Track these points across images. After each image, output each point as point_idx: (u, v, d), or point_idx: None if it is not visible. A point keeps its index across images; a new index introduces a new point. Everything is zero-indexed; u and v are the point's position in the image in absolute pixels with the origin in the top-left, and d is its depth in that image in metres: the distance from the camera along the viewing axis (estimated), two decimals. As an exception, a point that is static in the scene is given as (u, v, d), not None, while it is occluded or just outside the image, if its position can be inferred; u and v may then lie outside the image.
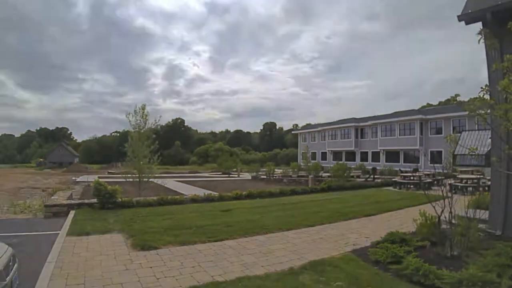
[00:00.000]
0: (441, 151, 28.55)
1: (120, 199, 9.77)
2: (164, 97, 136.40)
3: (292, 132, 70.34)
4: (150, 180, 13.32)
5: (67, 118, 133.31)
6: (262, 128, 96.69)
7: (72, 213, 8.62)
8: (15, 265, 3.29)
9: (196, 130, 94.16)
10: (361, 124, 38.24)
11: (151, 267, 4.53)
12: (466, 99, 4.56)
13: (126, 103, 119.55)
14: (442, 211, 5.20)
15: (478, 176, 15.33)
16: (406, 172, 21.21)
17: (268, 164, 30.90)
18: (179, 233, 6.43)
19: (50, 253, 5.13)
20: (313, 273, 4.24)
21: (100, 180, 10.32)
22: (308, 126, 55.48)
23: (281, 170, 31.11)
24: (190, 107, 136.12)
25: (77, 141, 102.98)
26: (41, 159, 72.21)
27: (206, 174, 36.63)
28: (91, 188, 10.96)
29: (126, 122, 13.00)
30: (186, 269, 4.47)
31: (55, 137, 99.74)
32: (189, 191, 15.51)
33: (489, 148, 7.93)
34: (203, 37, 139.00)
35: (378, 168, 30.72)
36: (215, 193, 12.54)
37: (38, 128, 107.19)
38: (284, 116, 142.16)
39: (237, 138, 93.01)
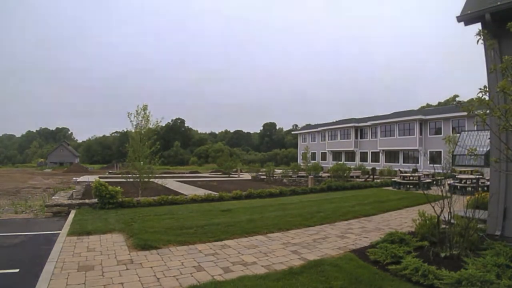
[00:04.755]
0: (440, 151, 28.58)
1: (120, 199, 9.80)
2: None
3: (292, 132, 70.42)
4: (151, 180, 13.34)
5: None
6: (262, 128, 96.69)
7: (73, 213, 8.64)
8: None
9: (197, 130, 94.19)
10: (361, 124, 38.26)
11: (151, 267, 4.55)
12: (465, 100, 4.58)
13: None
14: (441, 211, 5.21)
15: (477, 176, 15.37)
16: (405, 172, 21.26)
17: (268, 165, 30.86)
18: (180, 233, 6.44)
19: (51, 253, 5.15)
20: (313, 273, 4.26)
21: (101, 180, 10.33)
22: (308, 126, 55.44)
23: (281, 171, 31.09)
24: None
25: (78, 141, 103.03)
26: (41, 159, 72.31)
27: (206, 174, 36.61)
28: (92, 188, 10.97)
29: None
30: (187, 269, 4.49)
31: (56, 137, 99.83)
32: (189, 191, 15.52)
33: (488, 149, 7.95)
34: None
35: (377, 168, 30.76)
36: (215, 193, 12.55)
37: (38, 128, 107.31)
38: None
39: (237, 138, 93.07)
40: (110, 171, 40.63)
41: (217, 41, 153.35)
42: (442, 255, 4.66)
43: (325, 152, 43.74)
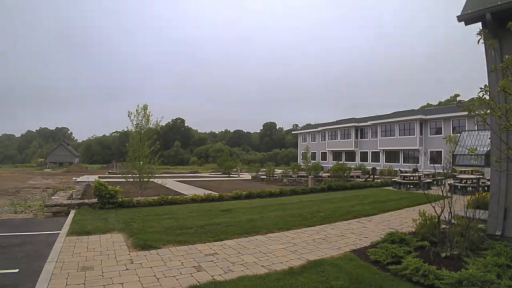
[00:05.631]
0: (440, 151, 28.56)
1: (120, 199, 9.79)
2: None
3: (292, 132, 70.40)
4: (151, 180, 13.33)
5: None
6: (262, 128, 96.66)
7: (72, 213, 8.63)
8: None
9: (196, 130, 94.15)
10: (361, 124, 38.23)
11: (151, 267, 4.54)
12: (466, 99, 4.57)
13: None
14: (442, 211, 5.20)
15: (478, 176, 15.36)
16: (405, 172, 21.24)
17: (268, 164, 30.84)
18: (180, 233, 6.44)
19: (50, 253, 5.14)
20: (313, 273, 4.25)
21: (101, 180, 10.32)
22: (308, 126, 55.42)
23: (281, 170, 31.07)
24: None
25: (78, 141, 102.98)
26: (41, 159, 72.31)
27: (206, 174, 36.59)
28: (91, 188, 10.95)
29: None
30: (186, 269, 4.48)
31: (56, 137, 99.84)
32: (189, 191, 15.50)
33: (488, 148, 7.94)
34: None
35: (378, 168, 30.74)
36: (215, 193, 12.54)
37: (38, 128, 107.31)
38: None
39: (237, 138, 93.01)
40: (110, 171, 40.61)
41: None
42: (443, 255, 4.65)
43: (325, 152, 43.71)
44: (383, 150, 34.96)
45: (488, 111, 4.23)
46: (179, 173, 38.98)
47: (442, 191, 5.26)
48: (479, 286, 3.48)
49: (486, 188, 12.20)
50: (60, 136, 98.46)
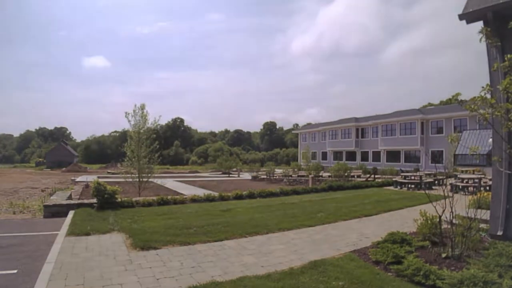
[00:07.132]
0: (442, 151, 28.52)
1: (119, 199, 9.75)
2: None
3: (293, 131, 70.43)
4: (150, 180, 13.30)
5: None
6: (262, 127, 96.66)
7: (71, 213, 8.59)
8: None
9: (196, 130, 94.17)
10: (362, 123, 38.18)
11: (150, 268, 4.51)
12: (467, 98, 4.52)
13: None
14: (443, 211, 5.16)
15: (479, 176, 15.32)
16: (407, 172, 21.23)
17: (268, 164, 30.86)
18: (179, 233, 6.41)
19: (49, 254, 5.11)
20: (313, 273, 4.22)
21: (100, 180, 10.29)
22: (308, 125, 55.41)
23: (281, 170, 31.06)
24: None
25: (77, 141, 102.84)
26: (40, 159, 72.26)
27: (206, 174, 36.58)
28: (90, 188, 10.92)
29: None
30: (186, 269, 4.45)
31: (54, 137, 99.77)
32: (189, 191, 15.48)
33: (490, 148, 7.92)
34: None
35: (378, 168, 30.70)
36: (215, 193, 12.51)
37: (37, 128, 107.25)
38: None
39: (237, 138, 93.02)
40: (109, 170, 40.61)
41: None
42: (444, 255, 4.62)
43: (326, 152, 43.66)
44: (384, 149, 34.91)
45: (490, 110, 4.19)
46: (179, 173, 38.97)
47: (444, 191, 5.23)
48: (480, 286, 3.45)
49: (487, 188, 12.17)
50: (59, 136, 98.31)
